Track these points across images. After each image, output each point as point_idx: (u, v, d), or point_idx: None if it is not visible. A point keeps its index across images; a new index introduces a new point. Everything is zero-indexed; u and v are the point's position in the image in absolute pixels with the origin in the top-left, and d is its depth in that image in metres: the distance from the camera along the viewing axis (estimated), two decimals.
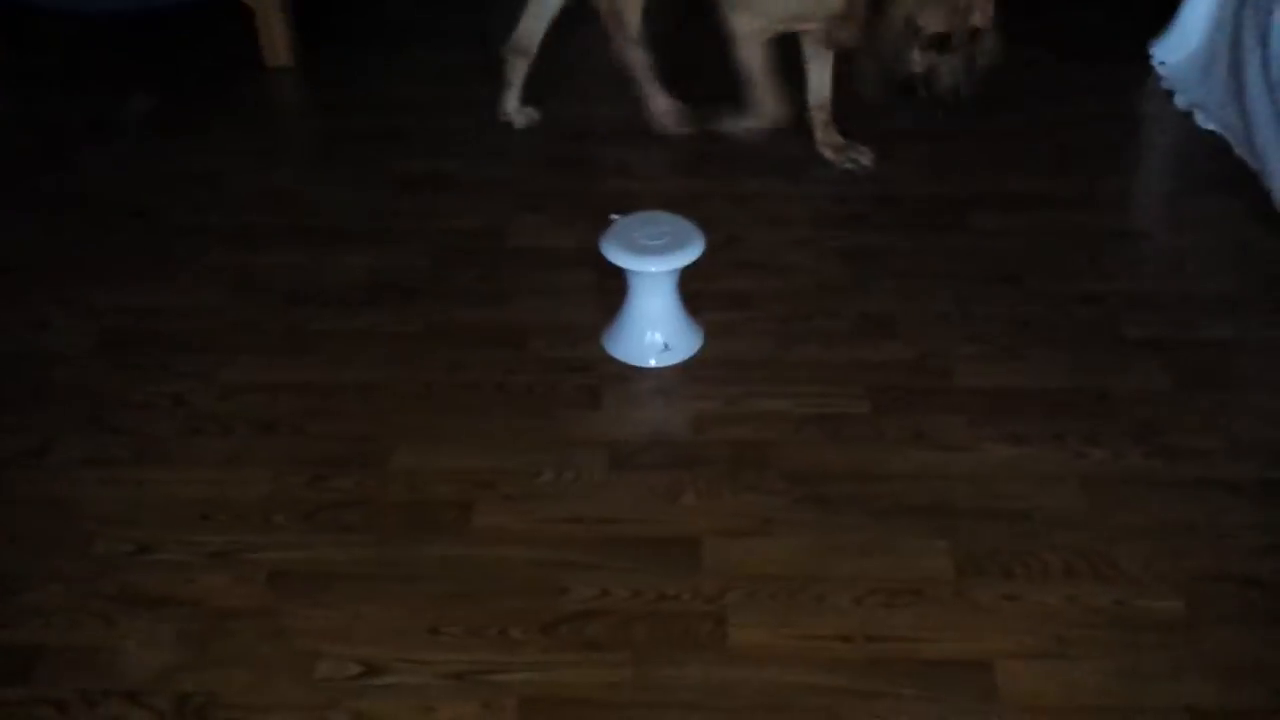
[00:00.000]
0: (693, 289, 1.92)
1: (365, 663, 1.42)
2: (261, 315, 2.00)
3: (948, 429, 1.75)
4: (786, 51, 2.35)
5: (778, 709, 1.37)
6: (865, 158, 2.38)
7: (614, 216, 1.90)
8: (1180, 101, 2.58)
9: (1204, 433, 1.73)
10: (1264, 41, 2.24)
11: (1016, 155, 2.43)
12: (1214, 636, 1.43)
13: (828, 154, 2.40)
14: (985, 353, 1.91)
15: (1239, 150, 2.38)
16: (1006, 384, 1.84)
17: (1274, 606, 1.47)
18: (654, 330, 1.87)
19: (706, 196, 2.32)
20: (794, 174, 2.40)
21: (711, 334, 1.94)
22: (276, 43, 2.73)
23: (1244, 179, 2.30)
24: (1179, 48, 2.64)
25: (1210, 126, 2.48)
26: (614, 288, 1.91)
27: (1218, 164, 2.38)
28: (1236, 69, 2.37)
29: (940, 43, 2.09)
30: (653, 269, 1.81)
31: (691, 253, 1.82)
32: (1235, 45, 2.39)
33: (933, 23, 2.06)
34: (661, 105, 2.49)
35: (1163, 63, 2.68)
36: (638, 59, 2.46)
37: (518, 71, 2.52)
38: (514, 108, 2.55)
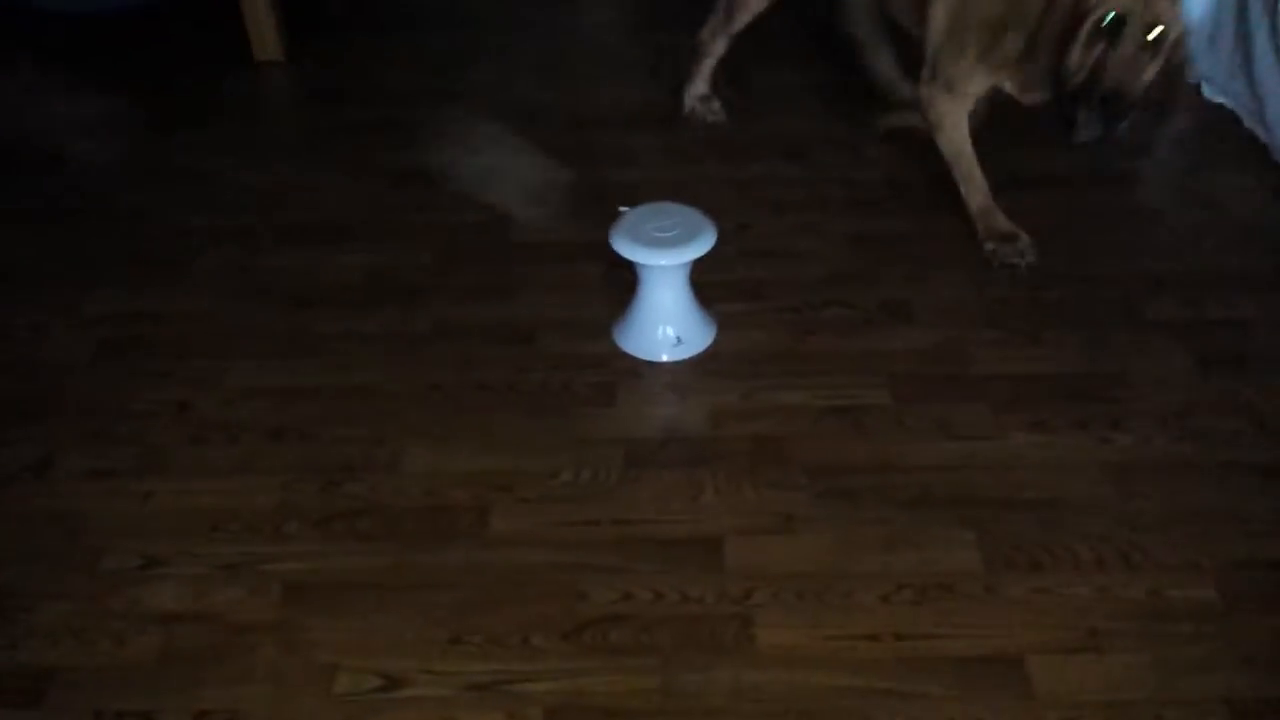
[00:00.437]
0: (704, 279, 1.88)
1: (385, 675, 1.39)
2: (264, 318, 1.96)
3: (970, 417, 1.72)
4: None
5: (809, 713, 1.34)
6: (1028, 254, 2.02)
7: (623, 209, 1.86)
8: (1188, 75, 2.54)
9: (1229, 415, 1.71)
10: (1273, 11, 2.21)
11: (1021, 134, 2.39)
12: (1249, 626, 1.41)
13: (987, 243, 2.04)
14: (1003, 338, 1.88)
15: (1249, 123, 2.34)
16: (1027, 370, 1.81)
17: None
18: (666, 324, 1.83)
19: (711, 183, 2.28)
20: (797, 157, 2.36)
21: (725, 325, 1.91)
22: (264, 37, 2.67)
23: (1255, 152, 2.27)
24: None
25: (1219, 99, 2.44)
26: (623, 280, 1.88)
27: (1228, 138, 2.35)
28: (1244, 40, 2.33)
29: (1113, 30, 1.75)
30: (664, 262, 1.77)
31: (703, 244, 1.78)
32: (1241, 16, 2.35)
33: (1105, 2, 1.72)
34: (698, 91, 2.48)
35: None
36: (713, 51, 2.43)
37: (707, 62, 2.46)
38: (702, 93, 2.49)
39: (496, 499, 1.62)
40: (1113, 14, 1.76)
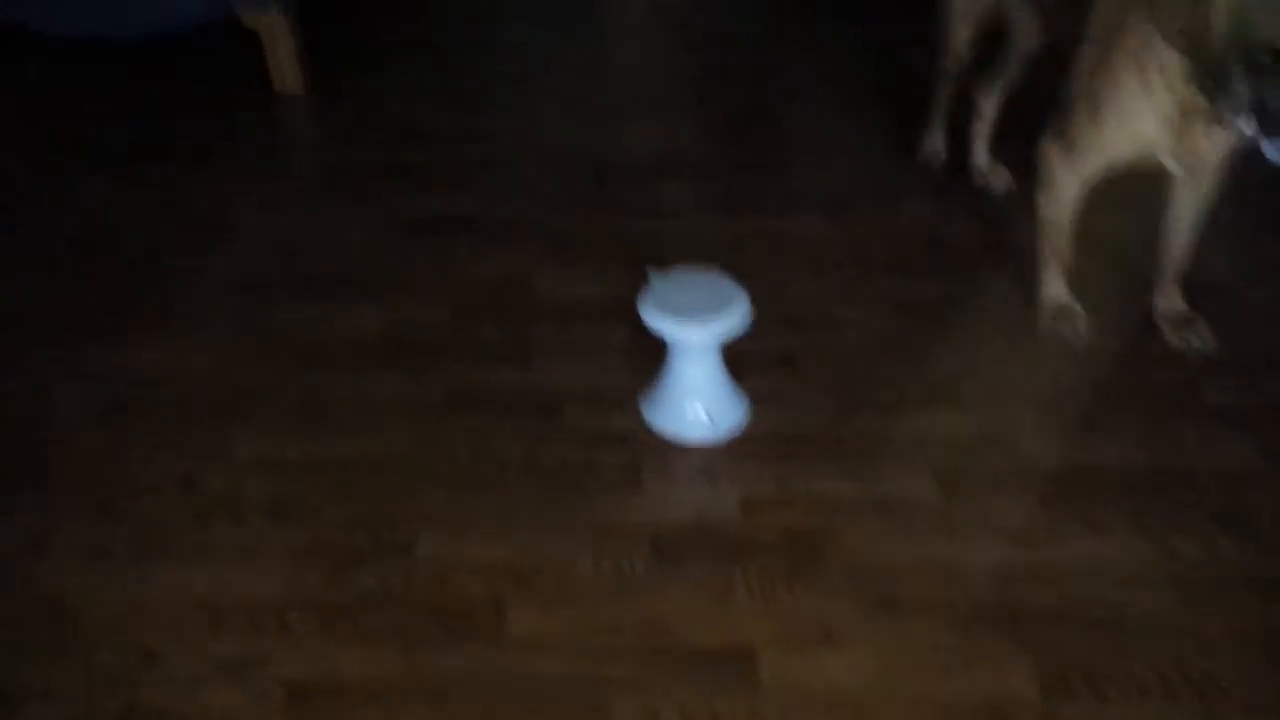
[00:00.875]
0: (735, 349, 1.78)
1: None
2: (273, 379, 1.86)
3: (1022, 516, 1.61)
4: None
5: None
6: (1083, 329, 1.91)
7: (652, 273, 1.75)
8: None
9: None
10: None
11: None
12: None
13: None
14: (1057, 423, 1.76)
15: None
16: (1082, 460, 1.70)
17: None
18: (696, 402, 1.73)
19: (744, 239, 2.18)
20: (834, 211, 2.25)
21: (758, 400, 1.80)
22: (285, 68, 2.58)
23: None
24: None
25: None
26: (651, 346, 1.77)
27: None
28: None
29: None
30: (695, 337, 1.66)
31: (736, 317, 1.68)
32: None
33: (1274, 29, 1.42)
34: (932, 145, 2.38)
35: None
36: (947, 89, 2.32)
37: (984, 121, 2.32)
38: (984, 163, 2.35)
39: (513, 593, 1.51)
40: None
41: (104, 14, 2.44)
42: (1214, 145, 1.69)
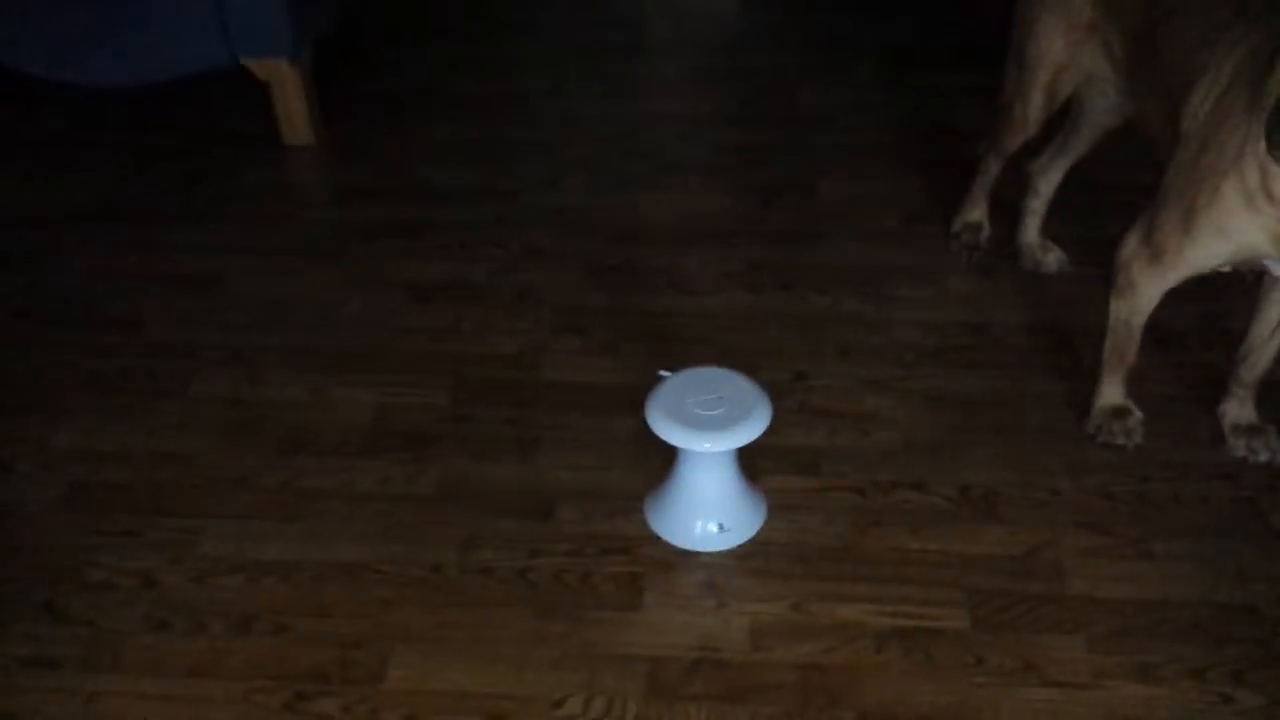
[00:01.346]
0: (755, 443, 1.60)
1: None
2: (250, 467, 1.73)
3: (1064, 656, 1.43)
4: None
5: None
6: (1136, 434, 1.74)
7: (662, 373, 1.60)
8: None
9: None
10: None
11: None
12: None
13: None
14: (1104, 545, 1.58)
15: None
16: (1132, 593, 1.51)
17: None
18: (707, 516, 1.57)
19: (768, 318, 2.02)
20: (870, 289, 2.08)
21: (775, 504, 1.64)
22: (295, 120, 2.46)
23: None
24: None
25: None
26: (660, 441, 1.60)
27: None
28: None
29: None
30: (708, 447, 1.50)
31: (755, 426, 1.52)
32: None
33: None
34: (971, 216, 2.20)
35: None
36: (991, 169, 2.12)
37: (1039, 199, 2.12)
38: (1035, 242, 2.15)
39: None
40: None
41: (99, 57, 2.33)
42: None
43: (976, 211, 2.18)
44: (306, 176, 2.48)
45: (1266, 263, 1.54)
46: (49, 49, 2.34)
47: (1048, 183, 2.09)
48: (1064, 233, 2.15)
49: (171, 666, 1.44)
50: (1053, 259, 2.12)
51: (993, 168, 2.11)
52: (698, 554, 1.58)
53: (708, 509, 1.56)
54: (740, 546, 1.59)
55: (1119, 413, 1.75)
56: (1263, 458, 1.71)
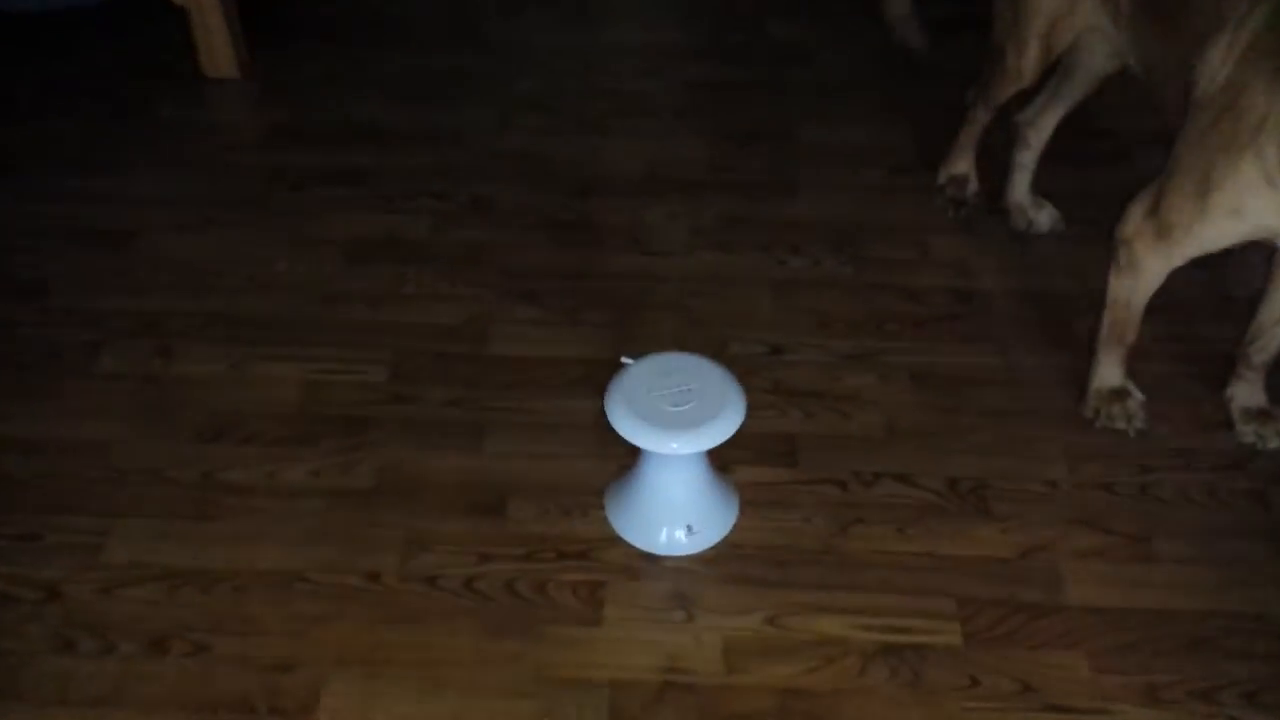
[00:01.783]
0: None
1: None
2: (165, 456, 1.55)
3: (1064, 676, 1.31)
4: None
5: None
6: (1138, 419, 1.61)
7: (625, 360, 1.43)
8: None
9: None
10: None
11: None
12: None
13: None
14: (1105, 546, 1.46)
15: None
16: (1136, 601, 1.39)
17: None
18: (674, 519, 1.42)
19: (741, 282, 1.85)
20: (845, 249, 1.92)
21: (748, 500, 1.50)
22: (215, 48, 2.23)
23: None
24: None
25: None
26: None
27: None
28: None
29: None
30: (675, 448, 1.35)
31: (727, 425, 1.36)
32: None
33: None
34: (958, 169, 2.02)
35: None
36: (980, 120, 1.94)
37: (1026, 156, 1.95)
38: (1026, 200, 1.97)
39: None
40: None
41: None
42: None
43: (963, 163, 2.01)
44: (229, 115, 2.24)
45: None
46: None
47: (1038, 134, 1.92)
48: (1057, 188, 1.99)
49: (76, 694, 1.28)
50: (1045, 217, 1.96)
51: (981, 117, 1.94)
52: (664, 558, 1.44)
53: (674, 512, 1.41)
54: (711, 549, 1.45)
55: (1118, 394, 1.62)
56: (1273, 445, 1.59)
